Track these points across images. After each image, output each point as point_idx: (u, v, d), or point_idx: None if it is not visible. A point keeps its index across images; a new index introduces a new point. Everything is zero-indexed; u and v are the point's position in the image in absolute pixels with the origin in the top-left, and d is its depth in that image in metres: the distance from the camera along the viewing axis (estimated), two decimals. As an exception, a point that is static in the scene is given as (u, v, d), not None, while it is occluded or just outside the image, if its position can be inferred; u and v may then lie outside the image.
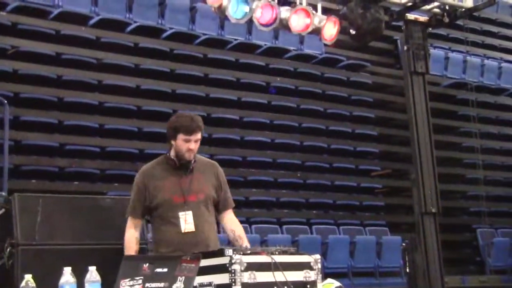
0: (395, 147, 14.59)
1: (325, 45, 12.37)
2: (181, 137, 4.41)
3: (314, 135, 13.72)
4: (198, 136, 4.46)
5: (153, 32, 12.39)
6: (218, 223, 4.75)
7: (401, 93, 14.02)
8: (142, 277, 3.05)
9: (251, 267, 3.43)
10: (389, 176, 14.58)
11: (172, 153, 4.52)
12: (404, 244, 11.16)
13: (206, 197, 4.53)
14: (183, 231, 4.40)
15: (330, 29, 8.73)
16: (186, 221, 4.40)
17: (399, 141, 14.42)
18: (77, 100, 11.32)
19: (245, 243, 4.34)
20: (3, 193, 8.24)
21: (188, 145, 4.43)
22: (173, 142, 4.48)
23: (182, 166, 4.49)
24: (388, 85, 15.05)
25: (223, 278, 3.40)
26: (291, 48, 13.81)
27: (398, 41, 13.58)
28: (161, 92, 12.14)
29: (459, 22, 14.55)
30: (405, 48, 11.98)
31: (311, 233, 12.21)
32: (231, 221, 4.65)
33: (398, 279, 12.18)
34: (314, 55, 14.09)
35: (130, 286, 3.04)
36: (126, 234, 4.51)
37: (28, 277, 3.02)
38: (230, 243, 4.53)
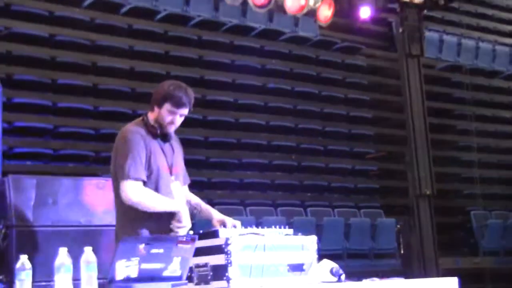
0: (390, 130, 14.59)
1: (320, 27, 12.38)
2: (167, 107, 4.07)
3: (309, 118, 13.70)
4: (186, 111, 4.12)
5: (147, 14, 12.32)
6: None
7: (396, 76, 14.03)
8: (138, 258, 3.04)
9: (247, 248, 3.42)
10: (384, 159, 14.60)
11: (151, 119, 4.15)
12: (398, 226, 11.24)
13: (181, 169, 4.28)
14: None
15: (325, 11, 8.73)
16: (178, 193, 4.14)
17: (394, 124, 14.41)
18: (71, 82, 11.27)
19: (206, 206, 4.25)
20: (-3, 175, 8.26)
21: (172, 117, 4.09)
22: (156, 108, 4.11)
23: (161, 135, 4.14)
24: (383, 68, 15.03)
25: (219, 259, 3.39)
26: (286, 30, 13.75)
27: (393, 24, 13.55)
28: (155, 74, 12.07)
29: (454, 4, 14.54)
30: (400, 30, 11.99)
31: (306, 215, 12.23)
32: (191, 195, 4.40)
33: (392, 261, 12.24)
34: (309, 37, 14.04)
35: (126, 267, 3.02)
36: (144, 193, 3.94)
37: (23, 257, 3.00)
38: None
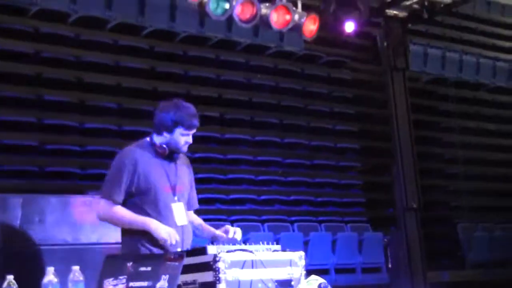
0: (376, 142, 14.64)
1: (305, 41, 12.42)
2: (180, 131, 4.20)
3: (295, 132, 13.73)
4: (195, 129, 4.29)
5: (133, 29, 12.31)
6: None
7: (381, 89, 14.09)
8: (125, 276, 3.03)
9: (235, 264, 3.42)
10: (369, 172, 14.65)
11: (160, 141, 4.25)
12: (385, 240, 11.24)
13: (186, 189, 4.33)
14: (178, 224, 4.14)
15: (310, 25, 8.76)
16: (180, 213, 4.17)
17: (379, 137, 14.46)
18: (57, 98, 11.23)
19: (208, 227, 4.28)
20: (-17, 193, 8.21)
21: (186, 139, 4.24)
22: (166, 133, 4.22)
23: (169, 155, 4.25)
24: (368, 81, 15.09)
25: (207, 276, 3.39)
26: (271, 45, 13.79)
27: (378, 37, 13.62)
28: (141, 89, 12.08)
29: (438, 18, 14.65)
30: (385, 44, 12.06)
31: (293, 230, 12.22)
32: (195, 216, 4.47)
33: (380, 275, 12.24)
34: (294, 51, 14.08)
35: (114, 285, 3.01)
36: (111, 211, 4.04)
37: (10, 278, 2.98)
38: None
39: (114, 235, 4.80)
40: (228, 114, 12.94)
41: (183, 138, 4.23)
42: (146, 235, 4.00)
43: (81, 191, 9.94)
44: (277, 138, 13.48)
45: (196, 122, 4.24)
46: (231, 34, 13.05)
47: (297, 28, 8.66)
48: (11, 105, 10.72)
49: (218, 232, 4.19)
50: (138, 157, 4.18)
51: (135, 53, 12.24)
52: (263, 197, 12.84)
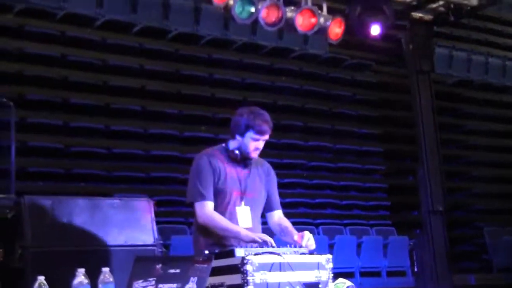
0: (401, 145, 14.57)
1: (330, 44, 12.41)
2: (251, 135, 4.31)
3: (319, 135, 13.70)
4: (268, 136, 4.38)
5: (158, 33, 12.38)
6: None
7: (405, 92, 14.03)
8: (155, 278, 3.05)
9: (263, 267, 3.43)
10: (394, 175, 14.58)
11: (233, 146, 4.38)
12: (411, 243, 11.18)
13: (259, 196, 4.44)
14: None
15: (336, 29, 8.76)
16: (244, 216, 4.29)
17: (404, 140, 14.40)
18: (83, 101, 11.33)
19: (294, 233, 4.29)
20: (12, 195, 8.30)
21: (256, 144, 4.34)
22: (239, 137, 4.34)
23: (241, 161, 4.37)
24: (392, 84, 15.02)
25: (235, 279, 3.40)
26: (296, 48, 13.78)
27: (403, 40, 13.57)
28: (166, 92, 12.14)
29: (463, 20, 14.56)
30: (410, 47, 12.01)
31: (318, 233, 12.20)
32: (281, 219, 4.55)
33: (406, 279, 12.17)
34: (319, 54, 14.06)
35: (143, 287, 3.03)
36: (210, 218, 4.15)
37: (40, 279, 3.02)
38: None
39: (141, 237, 4.85)
40: (252, 117, 12.92)
41: (253, 143, 4.33)
42: (211, 235, 4.16)
43: (107, 194, 10.04)
44: (301, 141, 13.46)
45: (266, 128, 4.34)
46: (256, 37, 13.07)
47: (322, 31, 8.67)
48: (38, 108, 10.83)
49: (295, 237, 4.24)
50: (214, 161, 4.31)
51: (160, 56, 12.31)
52: (287, 200, 12.81)
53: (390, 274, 12.23)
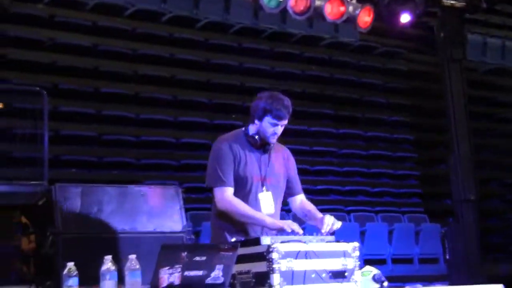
0: (432, 134, 14.47)
1: (361, 32, 12.35)
2: (269, 120, 4.24)
3: (350, 123, 13.67)
4: (286, 122, 4.31)
5: (188, 22, 12.43)
6: None
7: (437, 80, 13.90)
8: (181, 265, 3.08)
9: (288, 255, 3.44)
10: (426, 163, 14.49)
11: (253, 131, 4.33)
12: (442, 231, 11.12)
13: (280, 181, 4.40)
14: (264, 213, 4.20)
15: (365, 17, 8.70)
16: (267, 202, 4.25)
17: (435, 128, 14.29)
18: (114, 90, 11.43)
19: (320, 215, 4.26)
20: (44, 183, 8.43)
21: (274, 129, 4.26)
22: (257, 121, 4.28)
23: (261, 146, 4.32)
24: (424, 72, 14.90)
25: (261, 266, 3.41)
26: (326, 36, 13.74)
27: (434, 27, 13.41)
28: (196, 81, 12.20)
29: (497, 7, 14.36)
30: (441, 34, 11.87)
31: (349, 220, 12.19)
32: (304, 203, 4.51)
33: (437, 266, 12.11)
34: (349, 42, 14.00)
35: (169, 274, 3.07)
36: (231, 204, 4.11)
37: (70, 265, 3.06)
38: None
39: (169, 224, 4.89)
40: (283, 106, 12.93)
41: (271, 128, 4.27)
42: (232, 221, 4.13)
43: (137, 181, 10.13)
44: (332, 129, 13.45)
45: (284, 113, 4.26)
46: (286, 25, 13.05)
47: (351, 19, 8.61)
48: (70, 97, 10.96)
49: (318, 223, 4.17)
50: (234, 146, 4.26)
51: (190, 45, 12.35)
52: (319, 187, 12.83)
53: (422, 261, 12.18)
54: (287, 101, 4.31)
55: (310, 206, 4.45)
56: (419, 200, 14.05)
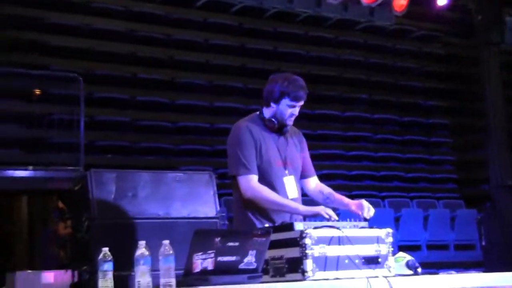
0: (469, 119, 14.31)
1: (396, 16, 12.25)
2: (286, 102, 4.18)
3: (385, 108, 13.58)
4: (303, 102, 4.25)
5: (222, 7, 12.43)
6: None
7: (474, 64, 13.73)
8: (214, 251, 3.09)
9: (321, 241, 3.43)
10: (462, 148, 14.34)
11: (268, 114, 4.26)
12: (479, 217, 10.99)
13: (298, 164, 4.34)
14: (289, 197, 4.17)
15: (400, 0, 8.61)
16: (291, 187, 4.20)
17: (472, 113, 14.13)
18: (149, 76, 11.50)
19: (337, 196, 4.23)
20: (80, 168, 8.53)
21: (292, 110, 4.20)
22: (273, 104, 4.21)
23: (278, 129, 4.25)
24: (461, 56, 14.72)
25: (294, 252, 3.41)
26: (361, 19, 13.63)
27: (472, 10, 13.23)
28: (230, 66, 12.21)
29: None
30: (479, 17, 11.71)
31: (384, 206, 12.13)
32: (320, 185, 4.43)
33: (474, 253, 12.00)
34: (385, 26, 13.87)
35: (203, 259, 3.08)
36: (259, 192, 4.05)
37: (105, 250, 3.10)
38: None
39: (203, 210, 4.91)
40: (317, 91, 12.90)
41: (289, 110, 4.20)
42: (259, 209, 4.10)
43: (173, 167, 10.20)
44: (367, 114, 13.37)
45: (302, 94, 4.20)
46: (320, 9, 12.98)
47: (387, 3, 8.54)
48: (105, 82, 11.06)
49: (353, 207, 4.13)
50: (254, 131, 4.20)
51: (224, 30, 12.36)
52: (353, 173, 12.79)
53: (457, 247, 12.09)
54: (302, 82, 4.24)
55: (329, 189, 4.39)
56: (455, 186, 13.92)
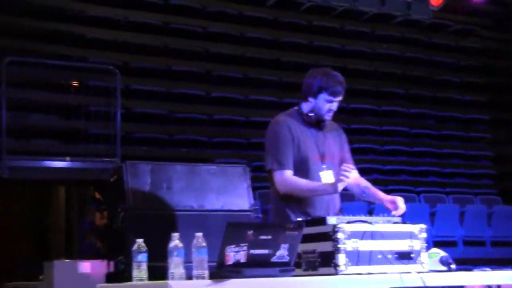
0: (507, 113, 14.14)
1: (433, 10, 12.16)
2: (324, 97, 4.18)
3: (421, 102, 13.48)
4: (341, 98, 4.23)
5: (257, 0, 12.44)
6: None
7: (512, 58, 13.58)
8: (246, 244, 3.11)
9: (354, 235, 3.44)
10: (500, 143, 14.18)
11: (306, 109, 4.26)
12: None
13: (336, 158, 4.33)
14: None
15: (438, -6, 8.53)
16: (328, 181, 4.16)
17: (511, 107, 13.96)
18: (185, 68, 11.57)
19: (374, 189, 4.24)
20: (117, 160, 8.64)
21: (330, 105, 4.20)
22: (312, 99, 4.21)
23: (316, 124, 4.25)
24: (498, 50, 14.54)
25: (326, 246, 3.42)
26: (398, 13, 13.54)
27: (510, 3, 13.07)
28: (266, 60, 12.22)
29: None
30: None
31: (419, 201, 12.05)
32: (359, 179, 4.34)
33: (511, 249, 11.88)
34: (422, 20, 13.76)
35: (235, 252, 3.10)
36: (291, 184, 4.07)
37: (139, 241, 3.13)
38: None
39: (237, 203, 4.94)
40: (352, 85, 12.83)
41: (327, 105, 4.20)
42: (295, 203, 4.10)
43: (208, 159, 10.26)
44: (403, 108, 13.29)
45: (340, 89, 4.19)
46: (357, 3, 12.93)
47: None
48: (141, 75, 11.14)
49: (386, 204, 4.14)
50: (292, 126, 4.21)
51: (260, 23, 12.37)
52: (388, 167, 12.72)
53: (494, 244, 11.95)
54: (341, 77, 4.23)
55: (367, 183, 4.39)
56: (492, 182, 13.77)
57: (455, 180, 13.38)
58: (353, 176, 3.94)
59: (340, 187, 3.98)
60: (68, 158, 8.82)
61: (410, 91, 13.40)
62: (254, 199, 5.25)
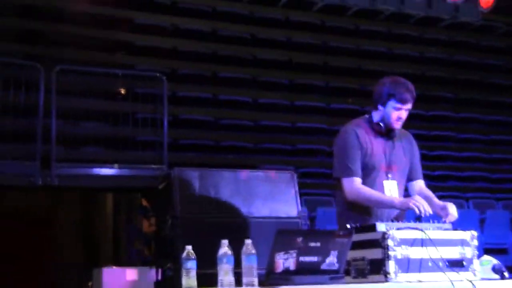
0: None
1: (482, 11, 11.97)
2: (393, 104, 4.18)
3: (470, 106, 13.29)
4: (410, 106, 4.22)
5: (305, 5, 12.44)
6: None
7: None
8: (296, 251, 3.10)
9: (404, 242, 3.39)
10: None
11: (377, 118, 4.27)
12: None
13: (404, 168, 4.34)
14: None
15: (487, -4, 8.40)
16: (392, 190, 4.20)
17: None
18: (231, 75, 11.60)
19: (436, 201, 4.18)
20: (164, 167, 8.68)
21: (399, 113, 4.20)
22: (381, 107, 4.23)
23: (386, 133, 4.26)
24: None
25: (376, 253, 3.38)
26: (446, 16, 13.38)
27: None
28: (313, 65, 12.18)
29: None
30: None
31: (468, 207, 11.86)
32: (424, 188, 4.41)
33: None
34: (470, 22, 13.57)
35: (285, 259, 3.09)
36: (360, 193, 4.09)
37: (189, 248, 3.14)
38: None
39: (284, 209, 4.92)
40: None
41: (396, 113, 4.20)
42: (362, 210, 4.12)
43: (254, 165, 10.25)
44: (451, 113, 13.11)
45: (409, 96, 4.18)
46: (404, 6, 12.83)
47: (473, -1, 8.35)
48: (188, 81, 11.21)
49: (438, 211, 4.03)
50: (360, 135, 4.23)
51: (306, 28, 12.36)
52: (436, 173, 12.55)
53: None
54: (411, 85, 4.22)
55: (429, 192, 4.35)
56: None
57: (505, 185, 13.13)
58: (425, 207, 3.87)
59: (406, 207, 3.96)
60: (116, 166, 8.89)
61: (459, 95, 13.23)
62: (301, 205, 5.22)
